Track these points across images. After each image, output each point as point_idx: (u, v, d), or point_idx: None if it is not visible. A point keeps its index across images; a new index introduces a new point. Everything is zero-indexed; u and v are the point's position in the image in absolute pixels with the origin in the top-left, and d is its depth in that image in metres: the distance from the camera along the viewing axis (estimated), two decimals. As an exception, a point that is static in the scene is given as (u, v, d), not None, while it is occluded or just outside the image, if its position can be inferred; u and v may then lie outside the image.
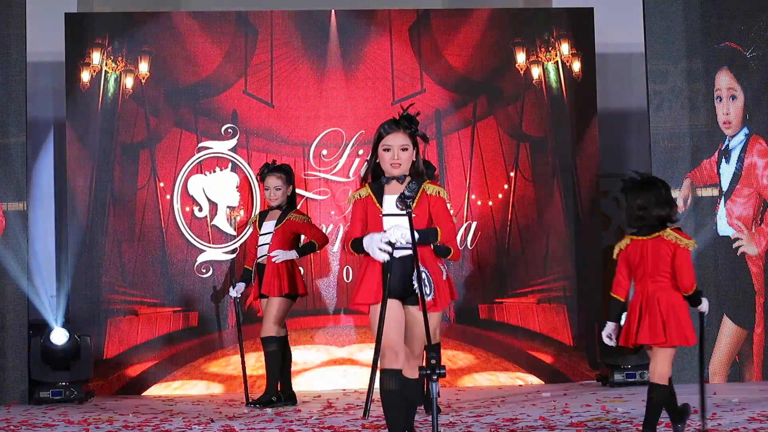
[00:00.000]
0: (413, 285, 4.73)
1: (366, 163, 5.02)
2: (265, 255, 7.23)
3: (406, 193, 4.75)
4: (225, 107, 8.55)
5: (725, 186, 8.21)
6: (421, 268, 4.71)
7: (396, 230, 4.69)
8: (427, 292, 4.76)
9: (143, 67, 8.47)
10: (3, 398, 7.67)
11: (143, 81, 8.47)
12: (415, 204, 4.81)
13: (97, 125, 8.40)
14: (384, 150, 4.90)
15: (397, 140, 4.88)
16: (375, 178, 4.97)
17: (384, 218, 4.86)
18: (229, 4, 8.91)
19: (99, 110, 8.40)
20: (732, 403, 6.80)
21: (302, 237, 7.41)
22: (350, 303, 5.00)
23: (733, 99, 8.26)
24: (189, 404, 7.55)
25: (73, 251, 8.30)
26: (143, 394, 8.24)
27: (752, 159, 8.24)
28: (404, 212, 4.66)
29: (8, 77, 7.84)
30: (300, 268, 7.46)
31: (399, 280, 4.80)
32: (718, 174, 8.21)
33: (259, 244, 7.34)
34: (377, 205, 4.91)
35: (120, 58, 8.44)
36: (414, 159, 4.94)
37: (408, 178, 4.92)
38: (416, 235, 4.66)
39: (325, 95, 8.59)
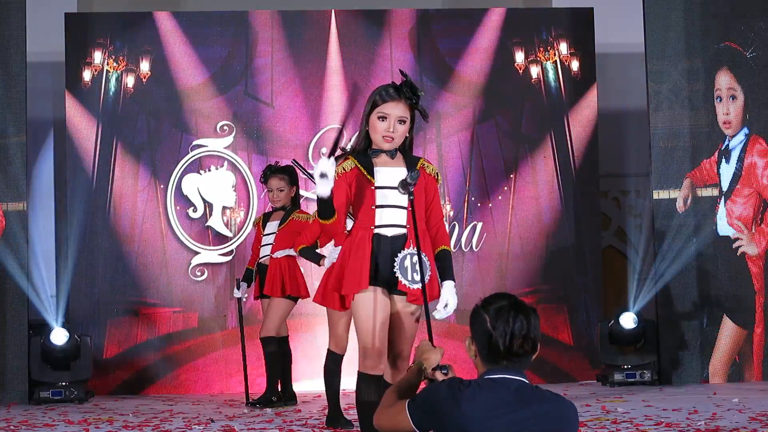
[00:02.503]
0: (397, 271, 4.22)
1: (356, 135, 4.37)
2: (268, 255, 7.23)
3: (409, 180, 4.17)
4: (226, 108, 8.54)
5: (725, 186, 8.22)
6: (413, 251, 4.23)
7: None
8: (417, 278, 4.23)
9: (143, 67, 8.47)
10: (3, 398, 7.67)
11: (144, 81, 8.47)
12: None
13: (97, 125, 8.40)
14: (379, 118, 4.29)
15: (396, 110, 4.27)
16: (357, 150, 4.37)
17: (377, 191, 4.28)
18: (229, 5, 8.91)
19: (99, 110, 8.40)
20: (732, 403, 6.80)
21: None
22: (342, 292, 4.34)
23: (733, 99, 8.26)
24: (189, 404, 7.55)
25: (73, 251, 8.30)
26: (143, 394, 8.23)
27: (752, 159, 8.24)
28: (403, 193, 4.21)
29: (8, 77, 7.84)
30: (301, 268, 7.44)
31: (388, 262, 4.24)
32: (718, 174, 8.22)
33: (262, 244, 7.34)
34: (368, 176, 4.29)
35: (120, 59, 8.43)
36: (407, 135, 4.34)
37: (398, 154, 4.34)
38: (425, 263, 4.22)
39: (325, 96, 8.58)
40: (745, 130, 8.27)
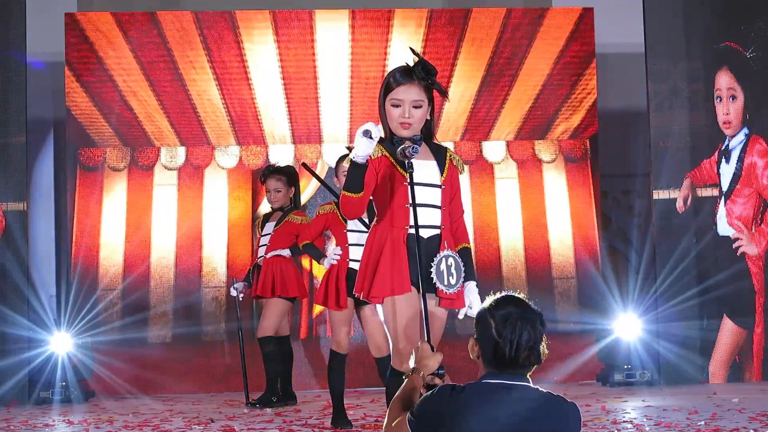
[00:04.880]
0: (434, 275, 3.91)
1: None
2: (263, 256, 7.24)
3: (411, 151, 3.84)
4: (226, 108, 8.54)
5: (725, 186, 8.21)
6: (449, 252, 3.97)
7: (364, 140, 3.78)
8: (453, 282, 3.97)
9: (144, 67, 8.47)
10: (3, 398, 7.67)
11: (144, 81, 8.47)
12: (445, 173, 4.03)
13: (97, 125, 8.40)
14: (393, 105, 3.99)
15: (409, 94, 3.99)
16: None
17: (410, 188, 3.91)
18: (230, 5, 8.91)
19: (99, 110, 8.40)
20: (732, 403, 6.80)
21: None
22: (364, 295, 4.00)
23: (733, 99, 8.26)
24: (189, 404, 7.56)
25: (73, 251, 8.30)
26: (143, 394, 8.23)
27: (752, 159, 8.24)
28: (401, 158, 3.89)
29: (8, 77, 7.84)
30: (300, 268, 7.45)
31: (423, 263, 3.89)
32: (718, 174, 8.21)
33: (260, 245, 7.35)
34: (401, 171, 3.94)
35: (120, 59, 8.44)
36: (428, 117, 4.05)
37: (424, 145, 4.05)
38: (460, 265, 3.97)
39: (325, 96, 8.59)
40: (745, 130, 8.26)
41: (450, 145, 8.56)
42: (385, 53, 8.57)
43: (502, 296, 2.92)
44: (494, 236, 8.68)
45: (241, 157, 8.61)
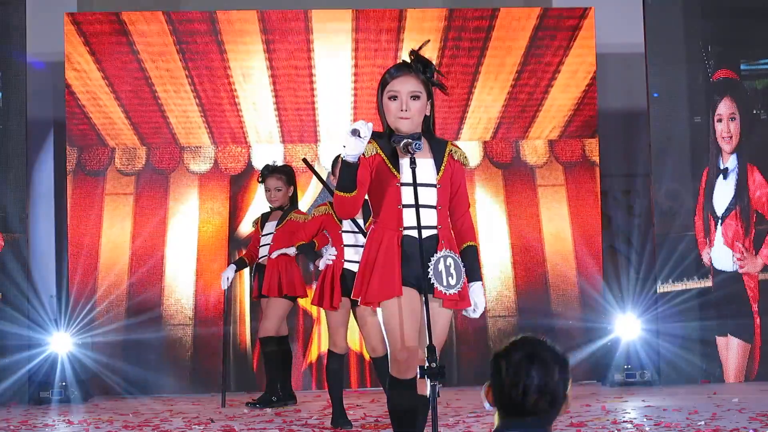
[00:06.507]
0: (432, 276, 3.82)
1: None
2: (266, 255, 7.25)
3: (413, 148, 3.73)
4: (226, 108, 8.54)
5: (722, 206, 8.19)
6: (447, 253, 3.89)
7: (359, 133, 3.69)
8: (453, 282, 3.87)
9: (143, 67, 8.46)
10: (3, 398, 7.67)
11: (144, 81, 8.46)
12: (441, 172, 3.92)
13: (97, 125, 8.40)
14: (390, 98, 3.88)
15: (406, 85, 3.87)
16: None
17: (403, 188, 3.86)
18: (232, 5, 8.90)
19: (99, 110, 8.40)
20: (732, 403, 6.80)
21: None
22: (361, 300, 3.93)
23: (733, 98, 8.26)
24: (189, 404, 7.56)
25: (72, 251, 8.29)
26: (143, 394, 8.23)
27: (753, 176, 8.24)
28: (404, 153, 3.81)
29: (8, 77, 7.84)
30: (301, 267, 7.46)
31: (419, 263, 3.80)
32: (718, 172, 8.21)
33: (261, 244, 7.36)
34: (393, 170, 3.87)
35: (120, 59, 8.43)
36: (427, 113, 3.93)
37: (424, 141, 3.90)
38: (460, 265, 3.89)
39: (323, 88, 8.56)
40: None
41: (476, 145, 8.53)
42: (395, 50, 8.56)
43: (519, 338, 2.57)
44: (539, 258, 8.49)
45: (216, 160, 8.54)
